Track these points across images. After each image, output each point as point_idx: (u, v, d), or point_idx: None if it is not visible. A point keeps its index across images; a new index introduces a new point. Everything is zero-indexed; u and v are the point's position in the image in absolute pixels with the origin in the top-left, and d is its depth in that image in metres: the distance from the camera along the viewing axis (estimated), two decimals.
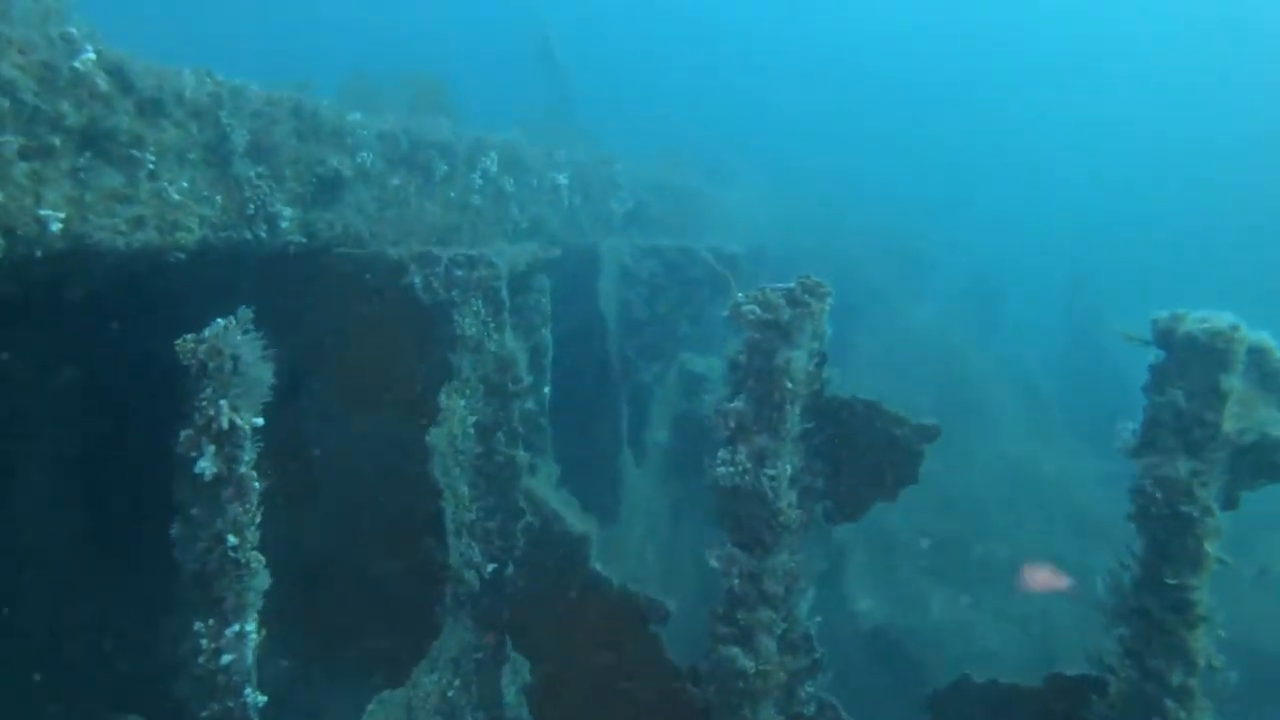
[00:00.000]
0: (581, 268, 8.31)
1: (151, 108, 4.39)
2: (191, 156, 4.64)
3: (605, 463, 8.87)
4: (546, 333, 7.13)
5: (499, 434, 5.51)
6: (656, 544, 9.73)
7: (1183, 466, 4.00)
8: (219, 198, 4.81)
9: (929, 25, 58.37)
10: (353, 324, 5.73)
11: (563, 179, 8.20)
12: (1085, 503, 12.27)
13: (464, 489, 5.44)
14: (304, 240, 5.38)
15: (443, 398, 5.25)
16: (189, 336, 3.85)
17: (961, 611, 10.80)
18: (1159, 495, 4.02)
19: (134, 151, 4.33)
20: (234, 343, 3.79)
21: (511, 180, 7.37)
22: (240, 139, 4.83)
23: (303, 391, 6.00)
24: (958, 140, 50.27)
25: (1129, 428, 4.29)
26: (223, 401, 3.77)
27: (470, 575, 5.45)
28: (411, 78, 8.07)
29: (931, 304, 15.78)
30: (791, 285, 4.49)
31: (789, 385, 4.43)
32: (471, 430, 5.46)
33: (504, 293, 5.48)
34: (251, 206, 4.96)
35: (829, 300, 4.54)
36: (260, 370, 3.89)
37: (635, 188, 10.23)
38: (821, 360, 4.73)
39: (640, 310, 8.55)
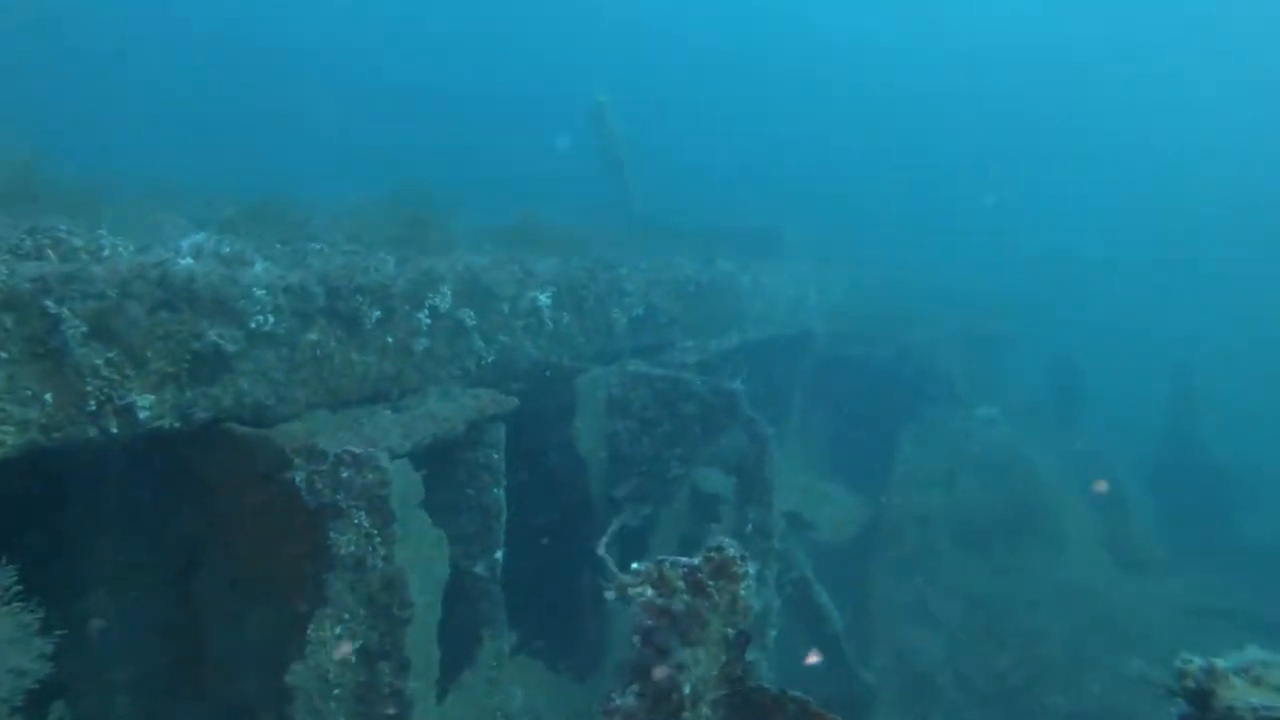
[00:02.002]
0: (562, 397, 7.43)
1: None
2: (6, 355, 3.96)
3: (588, 608, 7.94)
4: (499, 492, 6.28)
5: (383, 663, 4.65)
6: None
7: None
8: (49, 396, 4.12)
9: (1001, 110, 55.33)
10: (240, 510, 4.99)
11: (544, 298, 7.33)
12: (1172, 646, 10.53)
13: None
14: (177, 425, 4.65)
15: (311, 629, 4.43)
16: None
17: None
18: None
19: None
20: None
21: (472, 312, 6.56)
22: (75, 326, 4.12)
23: (198, 573, 5.30)
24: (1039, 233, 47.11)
25: None
26: None
27: None
28: (393, 200, 7.46)
29: (999, 397, 14.20)
30: (696, 562, 3.48)
31: (687, 691, 3.42)
32: (353, 658, 4.61)
33: (393, 502, 4.63)
34: (93, 402, 4.24)
35: (747, 580, 3.52)
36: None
37: (650, 287, 9.29)
38: (744, 642, 3.69)
39: (627, 446, 7.60)
